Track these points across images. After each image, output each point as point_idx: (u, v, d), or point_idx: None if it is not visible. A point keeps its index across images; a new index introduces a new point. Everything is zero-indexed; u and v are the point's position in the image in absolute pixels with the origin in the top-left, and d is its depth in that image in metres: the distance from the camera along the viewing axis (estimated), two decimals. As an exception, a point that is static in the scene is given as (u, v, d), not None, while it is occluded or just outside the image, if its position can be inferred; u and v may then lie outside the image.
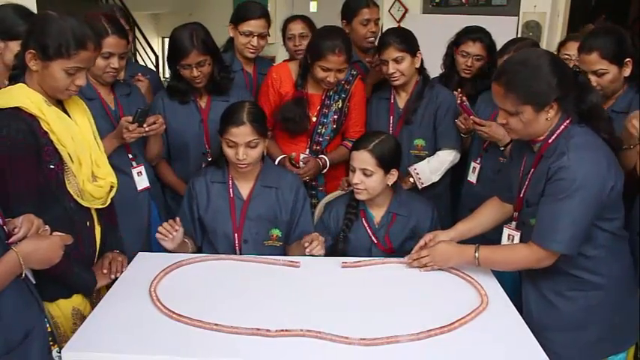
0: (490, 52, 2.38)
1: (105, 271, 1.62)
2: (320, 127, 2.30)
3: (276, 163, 2.22)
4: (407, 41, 2.21)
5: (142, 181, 2.02)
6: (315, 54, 2.15)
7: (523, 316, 1.52)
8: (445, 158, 2.27)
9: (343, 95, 2.30)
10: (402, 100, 2.31)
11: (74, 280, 1.53)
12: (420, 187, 2.26)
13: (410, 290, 1.60)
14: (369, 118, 2.37)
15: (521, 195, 1.61)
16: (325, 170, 2.30)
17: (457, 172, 2.38)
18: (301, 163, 2.24)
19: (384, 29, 3.67)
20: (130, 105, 2.02)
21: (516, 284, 2.10)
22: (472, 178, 2.27)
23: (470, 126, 2.15)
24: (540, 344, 1.36)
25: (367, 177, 1.85)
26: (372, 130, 2.30)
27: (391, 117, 2.31)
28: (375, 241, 1.91)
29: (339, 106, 2.30)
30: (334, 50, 2.09)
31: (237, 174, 1.92)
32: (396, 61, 2.19)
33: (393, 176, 1.89)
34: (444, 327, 1.36)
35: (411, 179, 2.24)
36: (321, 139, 2.32)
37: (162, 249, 1.90)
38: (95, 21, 1.82)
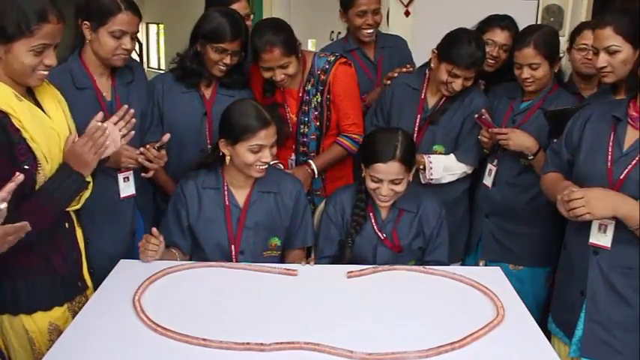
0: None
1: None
2: (302, 126, 2.24)
3: None
4: (482, 62, 2.13)
5: (126, 188, 1.97)
6: (253, 55, 2.12)
7: (586, 308, 1.60)
8: (461, 166, 2.21)
9: (321, 87, 2.22)
10: (432, 97, 2.23)
11: (64, 200, 1.50)
12: (424, 180, 2.18)
13: (418, 301, 1.60)
14: (388, 107, 2.28)
15: (622, 177, 1.58)
16: (317, 175, 2.24)
17: (474, 175, 2.34)
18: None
19: (391, 13, 3.69)
20: (131, 96, 1.96)
21: (537, 301, 2.10)
22: (487, 181, 2.22)
23: (493, 139, 2.10)
24: (603, 342, 1.54)
25: (396, 185, 1.85)
26: (393, 115, 2.24)
27: (418, 115, 2.22)
28: (382, 237, 1.91)
29: (319, 100, 2.23)
30: (265, 48, 2.05)
31: (233, 179, 1.90)
32: (466, 79, 2.09)
33: (412, 171, 1.91)
34: (455, 342, 1.36)
35: (421, 167, 2.15)
36: (306, 140, 2.26)
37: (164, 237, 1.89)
38: None
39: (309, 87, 2.23)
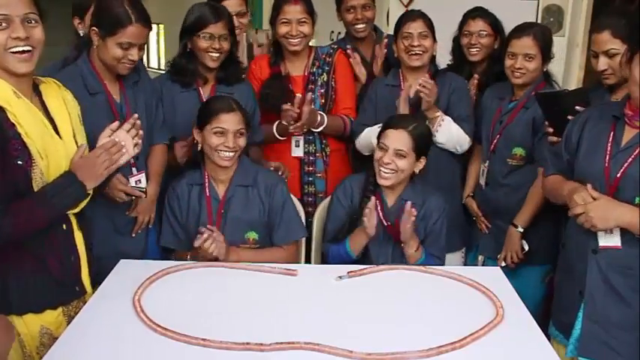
0: (496, 31, 2.41)
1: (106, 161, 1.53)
2: (309, 93, 2.29)
3: (275, 128, 2.28)
4: (432, 23, 2.26)
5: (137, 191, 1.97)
6: (273, 13, 2.29)
7: (584, 308, 1.61)
8: (464, 136, 2.25)
9: (327, 68, 2.37)
10: (412, 87, 2.29)
11: (60, 208, 1.48)
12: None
13: (419, 301, 1.60)
14: (375, 105, 2.35)
15: (619, 175, 1.59)
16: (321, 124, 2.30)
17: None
18: (304, 107, 2.17)
19: (391, 13, 3.68)
20: (137, 96, 1.98)
21: (535, 299, 2.11)
22: (482, 180, 2.28)
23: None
24: (602, 341, 1.57)
25: (400, 159, 1.89)
26: (381, 117, 2.26)
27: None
28: (386, 224, 1.94)
29: (325, 79, 2.36)
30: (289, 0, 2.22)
31: (214, 173, 1.97)
32: (422, 35, 2.22)
33: (421, 164, 1.97)
34: (455, 342, 1.36)
35: (437, 114, 2.20)
36: None
37: (160, 257, 1.96)
38: (116, 4, 1.77)
39: (315, 69, 2.35)
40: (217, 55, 2.10)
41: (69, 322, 1.50)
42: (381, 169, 1.92)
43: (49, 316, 1.54)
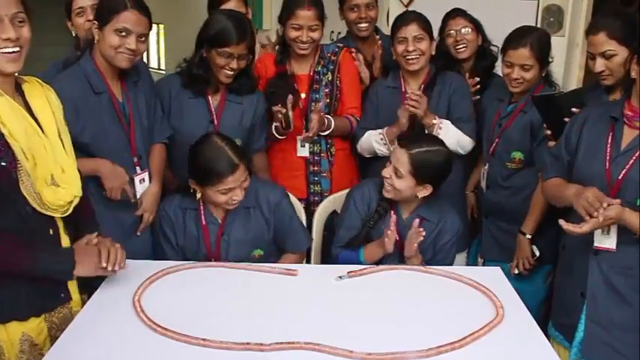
0: (477, 29, 2.44)
1: (103, 263, 1.51)
2: (313, 104, 2.30)
3: (273, 128, 2.25)
4: (427, 22, 2.25)
5: (143, 190, 1.99)
6: (284, 13, 2.25)
7: (586, 309, 1.61)
8: (467, 139, 2.24)
9: (332, 67, 2.36)
10: (412, 89, 2.28)
11: (42, 269, 1.44)
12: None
13: (419, 301, 1.60)
14: (377, 108, 2.35)
15: (620, 177, 1.59)
16: (329, 127, 2.29)
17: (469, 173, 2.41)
18: (313, 116, 2.18)
19: (391, 13, 3.68)
20: (139, 96, 1.97)
21: (536, 299, 2.11)
22: (483, 182, 2.29)
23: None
24: (605, 342, 1.58)
25: (396, 177, 1.86)
26: (383, 119, 2.29)
27: None
28: (396, 238, 1.89)
29: (329, 78, 2.35)
30: (303, 5, 2.19)
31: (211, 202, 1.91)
32: (417, 39, 2.20)
33: (425, 190, 1.88)
34: (454, 342, 1.36)
35: (434, 121, 2.16)
36: None
37: (160, 256, 1.94)
38: None
39: (320, 68, 2.34)
40: (232, 73, 2.05)
41: (50, 329, 1.49)
42: (384, 180, 1.89)
43: (31, 322, 1.48)
